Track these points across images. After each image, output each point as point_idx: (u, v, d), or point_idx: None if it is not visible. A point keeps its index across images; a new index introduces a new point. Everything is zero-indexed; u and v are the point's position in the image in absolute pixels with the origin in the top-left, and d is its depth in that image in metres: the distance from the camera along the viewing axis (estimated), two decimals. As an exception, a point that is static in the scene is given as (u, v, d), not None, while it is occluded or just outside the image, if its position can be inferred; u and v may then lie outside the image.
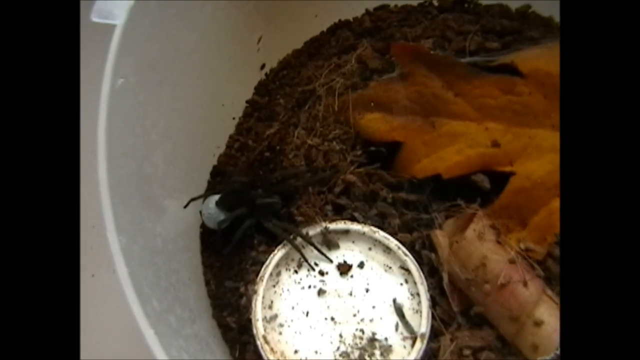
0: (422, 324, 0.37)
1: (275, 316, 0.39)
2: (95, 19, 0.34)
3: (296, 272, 0.41)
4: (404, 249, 0.39)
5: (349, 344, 0.38)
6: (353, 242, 0.41)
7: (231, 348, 0.40)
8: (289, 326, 0.39)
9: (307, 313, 0.39)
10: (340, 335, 0.38)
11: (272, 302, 0.40)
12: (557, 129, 0.39)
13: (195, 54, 0.43)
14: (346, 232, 0.41)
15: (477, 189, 0.39)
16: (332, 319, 0.39)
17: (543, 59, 0.40)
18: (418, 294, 0.38)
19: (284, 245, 0.40)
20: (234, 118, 0.50)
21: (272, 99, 0.50)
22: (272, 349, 0.37)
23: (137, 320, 0.28)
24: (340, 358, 0.37)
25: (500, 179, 0.39)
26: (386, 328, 0.38)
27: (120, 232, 0.30)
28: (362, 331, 0.38)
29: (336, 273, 0.40)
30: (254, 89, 0.51)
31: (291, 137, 0.45)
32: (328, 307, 0.39)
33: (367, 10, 0.53)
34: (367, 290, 0.39)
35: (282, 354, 0.37)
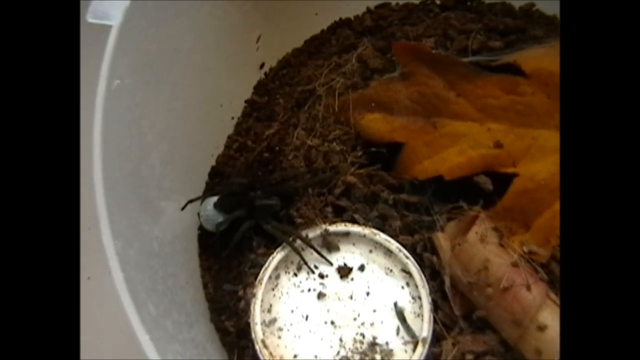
0: (424, 328, 0.36)
1: (275, 320, 0.39)
2: (91, 20, 0.33)
3: (296, 275, 0.40)
4: (405, 251, 0.38)
5: (349, 349, 0.37)
6: (353, 244, 0.40)
7: (229, 352, 0.39)
8: (288, 330, 0.38)
9: (307, 317, 0.38)
10: (341, 340, 0.38)
11: (271, 305, 0.39)
12: (561, 129, 0.38)
13: (193, 54, 0.42)
14: (346, 234, 0.40)
15: (480, 191, 0.39)
16: (332, 322, 0.38)
17: (546, 58, 0.39)
18: (419, 298, 0.38)
19: (284, 247, 0.40)
20: (232, 118, 0.49)
21: (271, 98, 0.50)
22: (271, 354, 0.37)
23: (133, 325, 0.28)
24: (340, 363, 0.37)
25: (503, 181, 0.38)
26: (387, 332, 0.37)
27: (116, 236, 0.29)
28: (363, 335, 0.37)
29: (336, 276, 0.40)
30: (253, 88, 0.51)
31: (291, 137, 0.45)
32: (328, 310, 0.39)
33: (368, 8, 0.53)
34: (367, 294, 0.39)
35: (281, 358, 0.37)
